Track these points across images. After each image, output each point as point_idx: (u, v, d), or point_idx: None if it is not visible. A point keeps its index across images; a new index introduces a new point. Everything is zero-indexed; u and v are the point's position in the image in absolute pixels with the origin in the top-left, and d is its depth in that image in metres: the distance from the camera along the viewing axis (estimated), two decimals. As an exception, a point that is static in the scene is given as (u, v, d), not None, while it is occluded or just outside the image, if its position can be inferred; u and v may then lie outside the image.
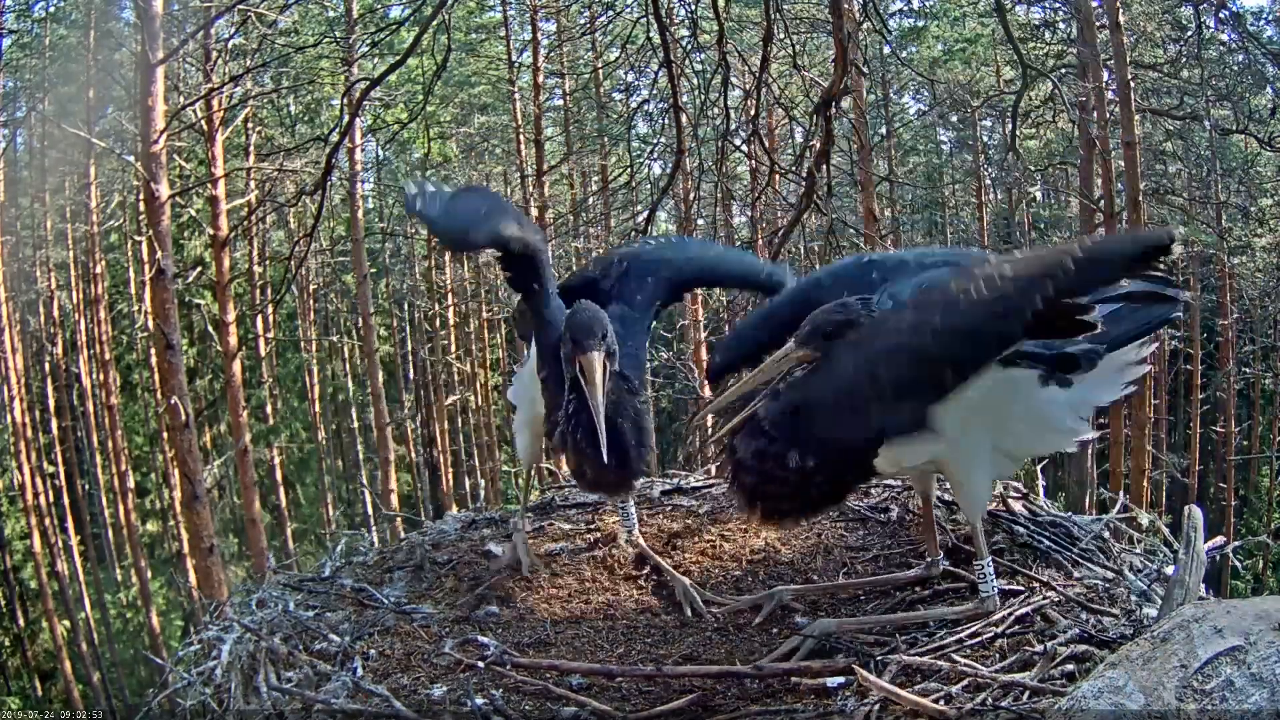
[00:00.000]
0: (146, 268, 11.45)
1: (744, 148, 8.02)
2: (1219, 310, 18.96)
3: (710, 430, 3.86)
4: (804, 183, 6.32)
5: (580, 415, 3.06)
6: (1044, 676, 2.46)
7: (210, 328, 17.56)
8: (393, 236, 22.97)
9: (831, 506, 3.17)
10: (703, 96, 7.25)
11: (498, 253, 3.42)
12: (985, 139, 22.49)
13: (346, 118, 7.53)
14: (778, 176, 8.36)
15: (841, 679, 2.60)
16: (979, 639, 2.73)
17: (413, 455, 23.87)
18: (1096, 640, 2.60)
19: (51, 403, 21.24)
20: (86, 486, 21.72)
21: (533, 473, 4.05)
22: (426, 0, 6.63)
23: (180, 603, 19.80)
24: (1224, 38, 11.87)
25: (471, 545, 3.88)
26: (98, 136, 15.91)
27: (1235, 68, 13.35)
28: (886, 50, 15.86)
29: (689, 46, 7.86)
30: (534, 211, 19.04)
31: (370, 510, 21.57)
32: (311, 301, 24.20)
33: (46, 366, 21.39)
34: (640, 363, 3.33)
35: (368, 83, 7.25)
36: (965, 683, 2.45)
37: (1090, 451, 15.06)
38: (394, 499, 17.66)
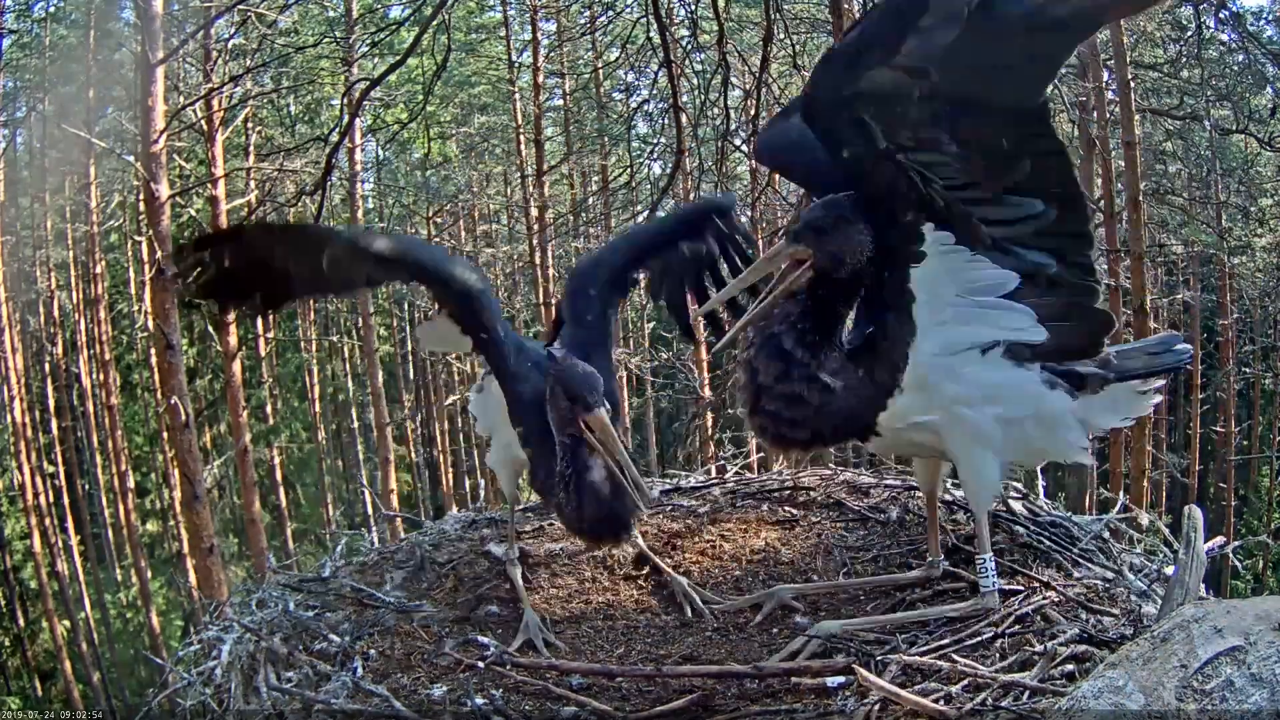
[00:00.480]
0: (146, 268, 11.44)
1: (744, 148, 8.02)
2: (1219, 310, 18.93)
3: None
4: (804, 183, 6.30)
5: (583, 474, 2.97)
6: (1044, 676, 2.46)
7: (210, 328, 17.54)
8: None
9: (839, 440, 3.11)
10: (703, 96, 7.25)
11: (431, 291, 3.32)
12: (985, 139, 22.42)
13: (346, 118, 7.54)
14: (778, 176, 8.35)
15: (841, 679, 2.60)
16: (979, 639, 2.73)
17: (413, 455, 23.85)
18: (1096, 640, 2.61)
19: (51, 403, 21.22)
20: (86, 486, 21.71)
21: (516, 510, 3.88)
22: (426, 0, 6.63)
23: (180, 603, 19.78)
24: (1224, 37, 11.86)
25: (471, 545, 3.88)
26: (98, 136, 15.90)
27: (1235, 68, 13.33)
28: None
29: (689, 46, 7.87)
30: (534, 211, 19.05)
31: (370, 510, 21.56)
32: (311, 301, 24.17)
33: (46, 366, 21.37)
34: (613, 391, 3.20)
35: (368, 83, 7.26)
36: (965, 683, 2.45)
37: (1090, 452, 15.03)
38: (394, 499, 17.65)
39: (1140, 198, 11.85)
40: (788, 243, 2.85)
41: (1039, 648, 2.57)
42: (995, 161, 2.61)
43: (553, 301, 17.72)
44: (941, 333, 2.78)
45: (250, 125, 18.36)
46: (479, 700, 2.67)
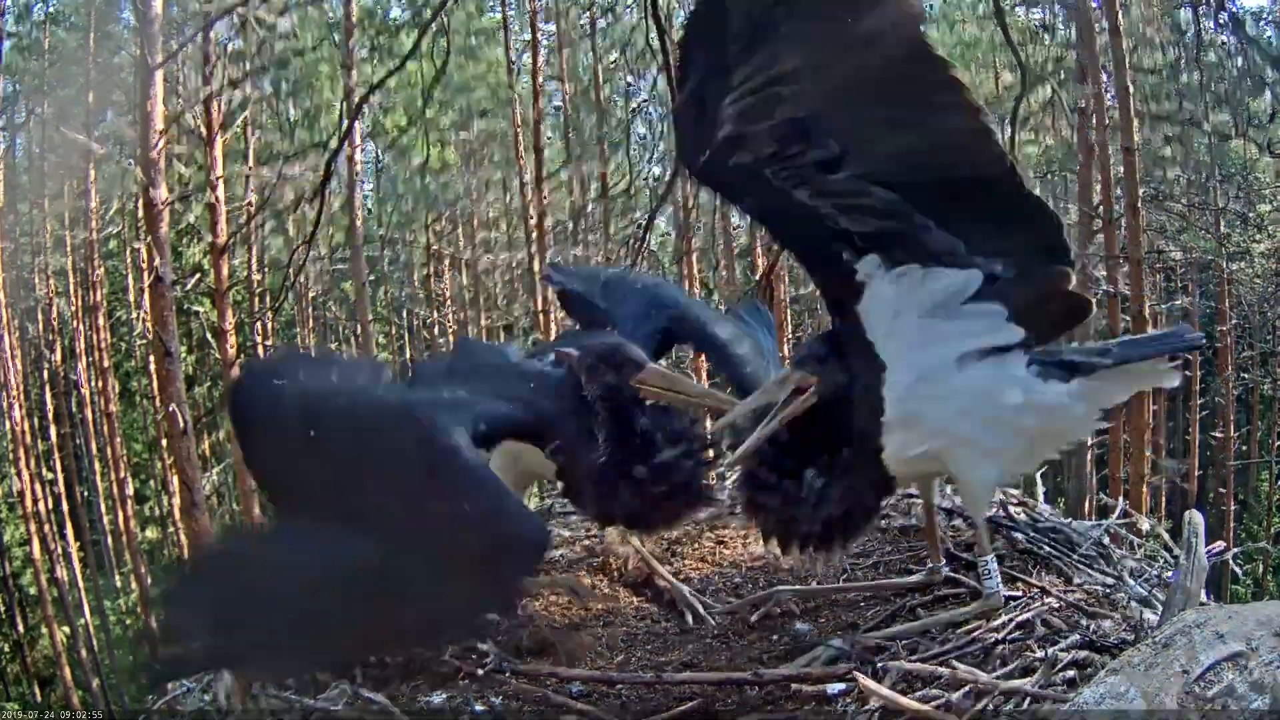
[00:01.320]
0: (145, 275, 11.43)
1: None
2: (1218, 316, 18.94)
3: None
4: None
5: (635, 448, 2.89)
6: (1045, 683, 2.44)
7: (209, 335, 17.50)
8: (392, 244, 22.95)
9: (865, 522, 3.03)
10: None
11: None
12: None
13: (346, 123, 7.54)
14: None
15: (842, 686, 2.59)
16: (980, 645, 2.72)
17: (412, 461, 23.79)
18: (1098, 646, 2.60)
19: (50, 410, 21.20)
20: (85, 493, 21.69)
21: None
22: (425, 4, 6.64)
23: (179, 609, 19.72)
24: (1223, 39, 11.89)
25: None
26: (97, 140, 15.90)
27: (1235, 72, 13.34)
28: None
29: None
30: (533, 218, 19.07)
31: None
32: (310, 309, 24.17)
33: (45, 373, 21.36)
34: None
35: (366, 88, 7.26)
36: (966, 689, 2.43)
37: (1089, 457, 15.05)
38: (393, 504, 17.57)
39: (1139, 203, 11.83)
40: (792, 369, 2.86)
41: (1040, 654, 2.56)
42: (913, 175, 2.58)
43: (551, 309, 17.72)
44: (910, 359, 2.72)
45: (249, 130, 18.37)
46: (479, 708, 2.66)
